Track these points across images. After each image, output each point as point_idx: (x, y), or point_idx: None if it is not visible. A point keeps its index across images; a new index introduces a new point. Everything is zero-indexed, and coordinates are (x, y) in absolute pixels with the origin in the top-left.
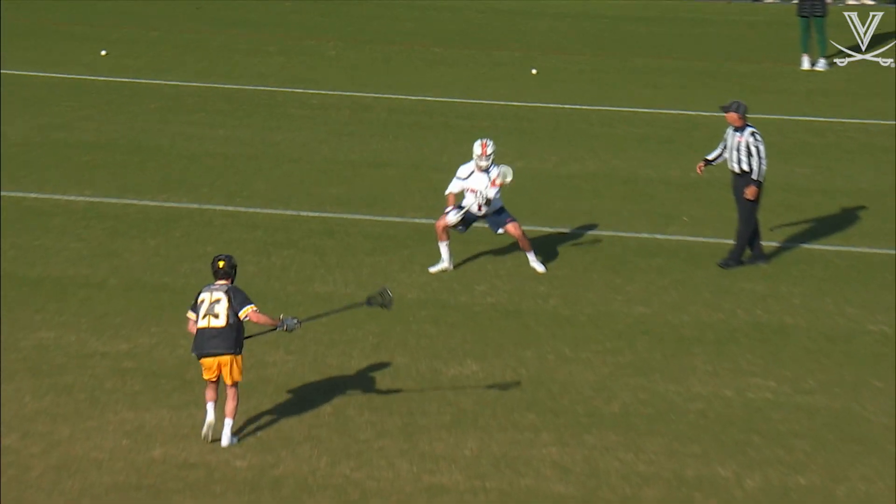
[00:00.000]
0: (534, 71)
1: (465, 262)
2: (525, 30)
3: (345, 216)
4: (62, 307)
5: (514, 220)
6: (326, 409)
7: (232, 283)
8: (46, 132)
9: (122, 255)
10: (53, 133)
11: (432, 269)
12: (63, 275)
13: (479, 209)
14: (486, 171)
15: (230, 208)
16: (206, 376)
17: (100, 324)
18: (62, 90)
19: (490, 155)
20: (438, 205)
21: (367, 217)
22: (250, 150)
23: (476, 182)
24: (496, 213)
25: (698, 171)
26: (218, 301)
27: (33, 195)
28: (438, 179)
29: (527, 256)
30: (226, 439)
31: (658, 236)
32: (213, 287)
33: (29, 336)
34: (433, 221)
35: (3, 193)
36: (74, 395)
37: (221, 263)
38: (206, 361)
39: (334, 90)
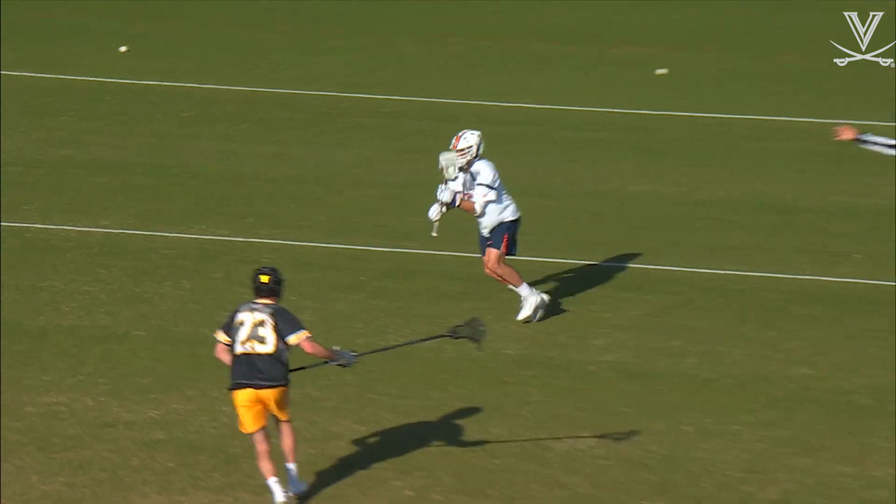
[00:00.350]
0: (661, 71)
1: (575, 307)
2: (651, 21)
3: (424, 252)
4: (76, 365)
5: (492, 247)
6: (405, 492)
7: (277, 302)
8: (50, 148)
9: (149, 300)
10: (59, 149)
11: (521, 316)
12: (77, 325)
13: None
14: (467, 170)
15: (281, 242)
16: (244, 420)
17: (123, 385)
18: (69, 96)
19: (465, 150)
20: (545, 238)
21: (453, 254)
22: (306, 170)
23: (461, 184)
24: (495, 228)
25: (838, 134)
26: (262, 323)
27: (36, 226)
28: (543, 206)
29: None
30: (294, 487)
31: (824, 279)
32: (254, 306)
33: (35, 401)
34: (538, 259)
35: (0, 224)
36: (93, 473)
37: (266, 278)
38: (244, 395)
39: (409, 96)
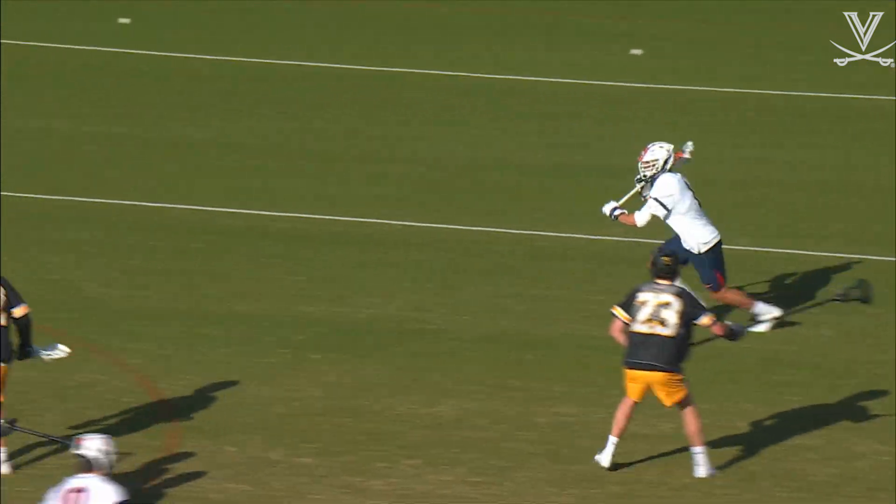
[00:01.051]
0: None
1: None
2: None
3: (878, 258)
4: (587, 376)
5: (711, 289)
6: None
7: (674, 283)
8: (562, 152)
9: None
10: (571, 154)
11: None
12: (587, 335)
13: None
14: (651, 182)
15: (746, 249)
16: (629, 394)
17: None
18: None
19: (651, 163)
20: None
21: None
22: (758, 173)
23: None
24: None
25: None
26: (667, 305)
27: (545, 234)
28: None
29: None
30: (702, 470)
31: None
32: (657, 286)
33: (546, 411)
34: None
35: (486, 229)
36: (607, 487)
37: (668, 260)
38: (636, 375)
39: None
